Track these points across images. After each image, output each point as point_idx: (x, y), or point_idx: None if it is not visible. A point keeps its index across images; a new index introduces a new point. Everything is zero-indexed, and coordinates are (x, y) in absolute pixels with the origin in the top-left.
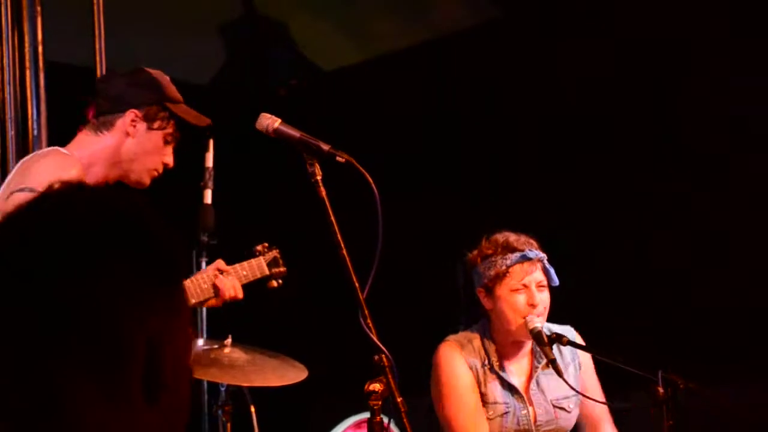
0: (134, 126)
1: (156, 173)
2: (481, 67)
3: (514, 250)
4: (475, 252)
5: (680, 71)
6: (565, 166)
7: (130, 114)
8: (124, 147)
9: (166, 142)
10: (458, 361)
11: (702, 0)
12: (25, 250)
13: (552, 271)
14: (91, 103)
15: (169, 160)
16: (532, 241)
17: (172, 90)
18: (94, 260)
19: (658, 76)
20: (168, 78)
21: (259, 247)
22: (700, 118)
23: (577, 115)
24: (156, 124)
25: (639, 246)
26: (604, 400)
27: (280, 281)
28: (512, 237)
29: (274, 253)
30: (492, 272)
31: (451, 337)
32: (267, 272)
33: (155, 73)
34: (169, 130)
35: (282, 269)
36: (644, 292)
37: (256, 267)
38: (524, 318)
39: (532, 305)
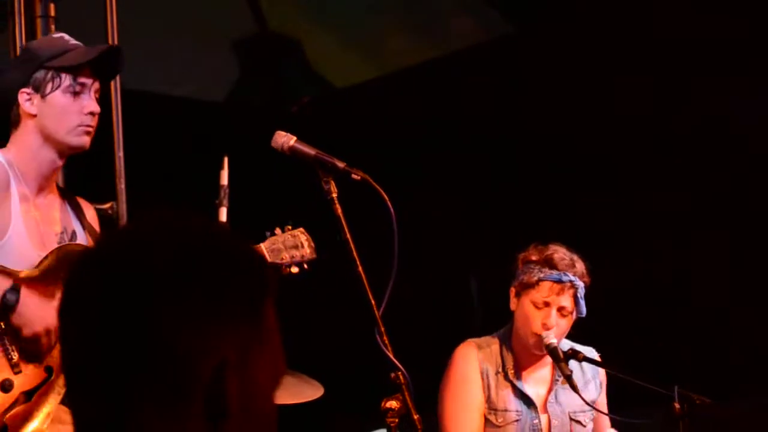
0: (31, 102)
1: (85, 128)
2: (493, 82)
3: (553, 267)
4: (524, 253)
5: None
6: (580, 183)
7: (21, 95)
8: (38, 128)
9: (73, 95)
10: (471, 364)
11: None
12: (109, 276)
13: (582, 302)
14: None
15: (88, 106)
16: (578, 265)
17: (49, 44)
18: (160, 288)
19: (673, 84)
20: (51, 35)
21: (274, 230)
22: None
23: (591, 129)
24: (47, 89)
25: (650, 262)
26: (609, 422)
27: (305, 266)
28: (558, 255)
29: (293, 233)
30: (525, 278)
31: (471, 340)
32: (271, 258)
33: (33, 42)
34: (66, 82)
35: (303, 251)
36: (657, 309)
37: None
38: (534, 333)
39: (546, 326)
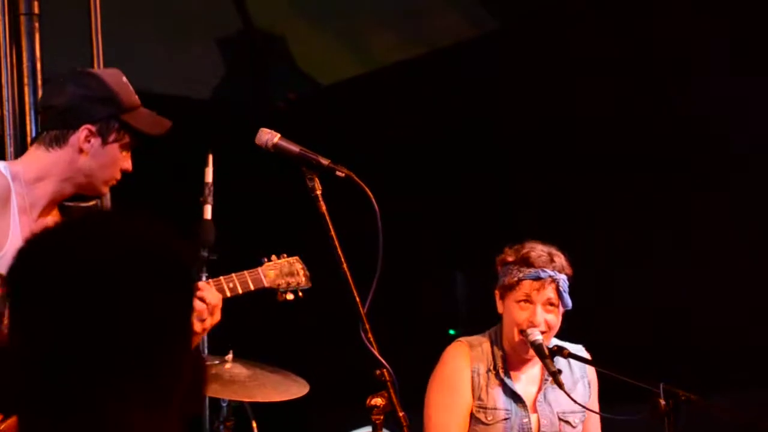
0: (88, 142)
1: (114, 182)
2: (480, 78)
3: (530, 265)
4: (502, 255)
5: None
6: (567, 176)
7: (84, 130)
8: (79, 163)
9: (122, 151)
10: (463, 364)
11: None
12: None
13: (566, 294)
14: (41, 114)
15: (127, 165)
16: (556, 259)
17: (128, 96)
18: (146, 293)
19: (662, 80)
20: (124, 79)
21: (270, 257)
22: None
23: (580, 124)
24: (111, 138)
25: (638, 257)
26: (599, 420)
27: (299, 293)
28: (535, 253)
29: (290, 261)
30: (506, 280)
31: (463, 339)
32: (266, 285)
33: (109, 77)
34: (126, 140)
35: (299, 279)
36: (643, 304)
37: (251, 279)
38: (521, 331)
39: (532, 323)
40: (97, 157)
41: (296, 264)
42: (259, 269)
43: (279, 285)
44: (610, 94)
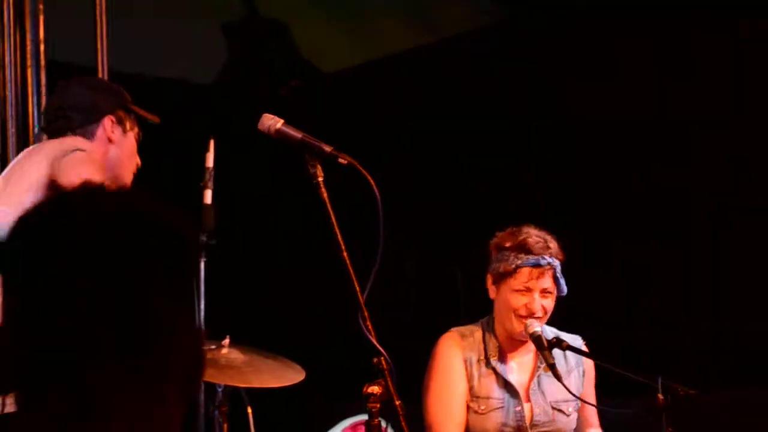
0: (113, 132)
1: (134, 174)
2: (484, 68)
3: (528, 252)
4: (496, 239)
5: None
6: (567, 169)
7: (107, 121)
8: (110, 154)
9: (137, 142)
10: (454, 354)
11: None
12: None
13: (562, 280)
14: (56, 119)
15: (139, 160)
16: (551, 244)
17: (124, 90)
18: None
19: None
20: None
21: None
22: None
23: (581, 116)
24: (128, 126)
25: (636, 250)
26: (595, 409)
27: None
28: (532, 239)
29: None
30: (501, 267)
31: (455, 329)
32: None
33: (106, 82)
34: (137, 130)
35: None
36: (643, 299)
37: None
38: (518, 318)
39: (530, 310)
40: (122, 146)
41: None
42: None
43: None
44: (626, 86)
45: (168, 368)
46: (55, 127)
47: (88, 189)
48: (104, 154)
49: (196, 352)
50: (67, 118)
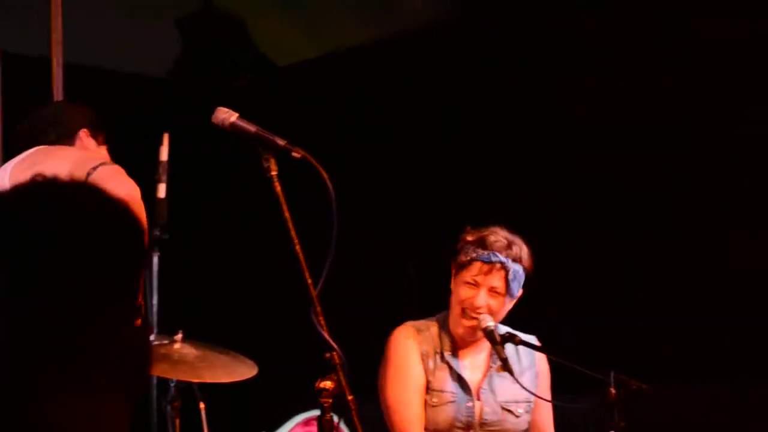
0: (88, 145)
1: None
2: (441, 62)
3: (485, 247)
4: (464, 233)
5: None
6: (527, 168)
7: (82, 134)
8: None
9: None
10: (410, 346)
11: None
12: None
13: (513, 283)
14: (32, 136)
15: None
16: (515, 248)
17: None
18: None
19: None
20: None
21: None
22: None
23: (541, 111)
24: (100, 139)
25: (590, 244)
26: (551, 413)
27: None
28: (493, 236)
29: None
30: (460, 258)
31: (410, 323)
32: None
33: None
34: (106, 146)
35: None
36: (594, 292)
37: None
38: (464, 313)
39: (473, 305)
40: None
41: None
42: None
43: None
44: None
45: (107, 363)
46: (31, 144)
47: (44, 185)
48: None
49: (141, 346)
50: (45, 133)
